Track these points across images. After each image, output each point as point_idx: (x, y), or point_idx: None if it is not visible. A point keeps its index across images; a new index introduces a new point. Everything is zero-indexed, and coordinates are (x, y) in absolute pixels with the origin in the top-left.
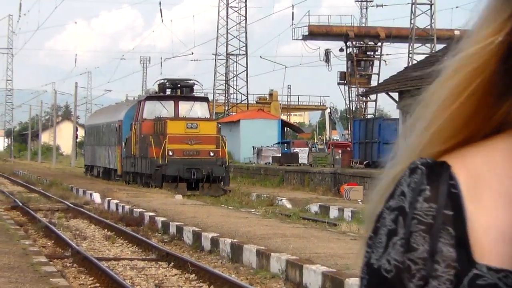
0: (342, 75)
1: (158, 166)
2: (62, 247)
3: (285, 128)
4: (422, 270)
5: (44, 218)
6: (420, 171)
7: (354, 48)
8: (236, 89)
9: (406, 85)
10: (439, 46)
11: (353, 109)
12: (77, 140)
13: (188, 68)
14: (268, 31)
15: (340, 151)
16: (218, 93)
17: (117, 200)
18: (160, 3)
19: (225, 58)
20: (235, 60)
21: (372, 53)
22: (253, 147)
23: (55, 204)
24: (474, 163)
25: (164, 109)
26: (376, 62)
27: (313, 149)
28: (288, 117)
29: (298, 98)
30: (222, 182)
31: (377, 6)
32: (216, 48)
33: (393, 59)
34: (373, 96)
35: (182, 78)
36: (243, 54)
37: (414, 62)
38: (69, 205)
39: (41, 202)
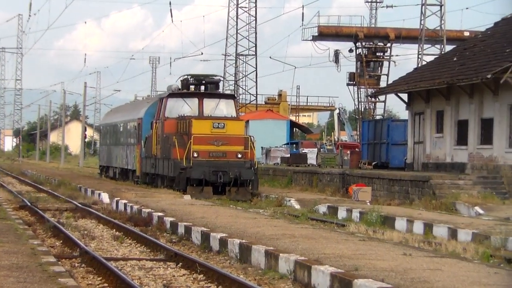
0: (351, 76)
1: (182, 169)
2: (70, 247)
3: (294, 128)
4: None
5: (53, 218)
6: None
7: (363, 49)
8: (245, 90)
9: (416, 86)
10: (448, 47)
11: (362, 109)
12: (86, 140)
13: (197, 68)
14: (278, 31)
15: (348, 152)
16: None
17: (125, 200)
18: (170, 3)
19: (234, 58)
20: (244, 60)
21: (382, 54)
22: (261, 147)
23: (64, 204)
24: None
25: (187, 106)
26: (386, 63)
27: (321, 149)
28: (297, 117)
29: (307, 98)
30: (250, 186)
31: (387, 7)
32: (225, 49)
33: (403, 60)
34: (382, 97)
35: (207, 73)
36: (253, 55)
37: (424, 63)
38: (77, 205)
39: (50, 202)
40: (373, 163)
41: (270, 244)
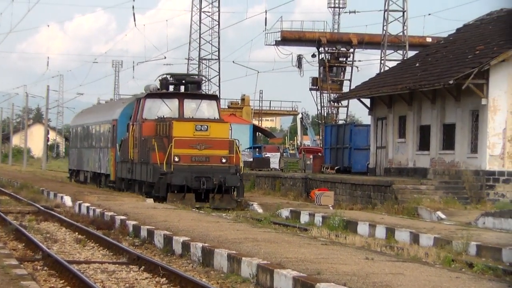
0: (314, 81)
1: (162, 174)
2: (33, 250)
3: (257, 133)
4: None
5: (15, 221)
6: None
7: (326, 54)
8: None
9: (378, 91)
10: (411, 53)
11: (325, 114)
12: (49, 143)
13: (160, 72)
14: (241, 36)
15: (311, 156)
16: None
17: (88, 203)
18: (133, 7)
19: (197, 62)
20: (207, 64)
21: (344, 59)
22: None
23: (26, 206)
24: None
25: (167, 108)
26: (348, 68)
27: (284, 154)
28: (260, 122)
29: (270, 103)
30: (235, 193)
31: (350, 12)
32: (188, 53)
33: (365, 65)
34: (344, 102)
35: (188, 73)
36: (216, 59)
37: (386, 68)
38: (40, 208)
39: (12, 204)
40: (336, 167)
41: (233, 248)
